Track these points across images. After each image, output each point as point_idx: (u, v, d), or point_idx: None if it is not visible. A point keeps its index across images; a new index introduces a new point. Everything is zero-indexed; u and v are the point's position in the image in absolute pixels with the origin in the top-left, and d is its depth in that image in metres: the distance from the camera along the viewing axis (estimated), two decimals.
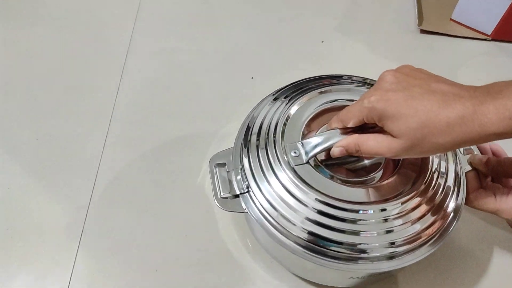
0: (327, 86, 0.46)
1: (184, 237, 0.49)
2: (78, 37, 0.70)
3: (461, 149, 0.45)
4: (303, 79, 0.49)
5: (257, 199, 0.40)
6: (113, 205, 0.52)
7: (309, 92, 0.46)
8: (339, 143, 0.39)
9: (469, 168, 0.44)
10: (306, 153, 0.40)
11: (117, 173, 0.54)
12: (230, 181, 0.43)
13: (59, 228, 0.50)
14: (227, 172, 0.43)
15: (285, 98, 0.46)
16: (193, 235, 0.49)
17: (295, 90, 0.47)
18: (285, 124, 0.43)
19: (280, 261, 0.47)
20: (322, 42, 0.70)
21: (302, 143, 0.41)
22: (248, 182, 0.41)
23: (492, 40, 0.70)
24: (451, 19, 0.73)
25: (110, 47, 0.69)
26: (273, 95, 0.48)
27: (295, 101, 0.45)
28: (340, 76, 0.48)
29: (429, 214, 0.39)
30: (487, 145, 0.46)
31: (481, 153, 0.46)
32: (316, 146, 0.40)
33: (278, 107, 0.45)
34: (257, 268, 0.48)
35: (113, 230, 0.50)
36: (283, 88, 0.48)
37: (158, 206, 0.52)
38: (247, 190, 0.41)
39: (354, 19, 0.74)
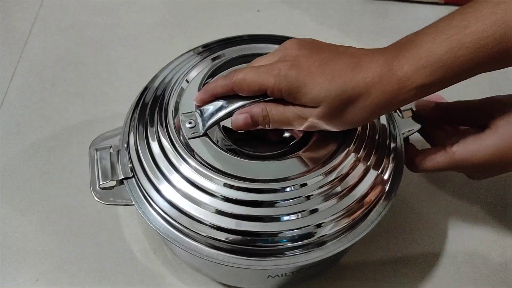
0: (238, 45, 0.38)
1: (74, 239, 0.41)
2: None
3: (399, 113, 0.38)
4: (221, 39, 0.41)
5: (142, 187, 0.32)
6: None
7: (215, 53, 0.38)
8: (244, 109, 0.31)
9: None
10: (204, 122, 0.32)
11: (2, 166, 0.45)
12: (114, 165, 0.34)
13: None
14: (111, 153, 0.35)
15: (194, 56, 0.38)
16: (88, 236, 0.41)
17: (207, 49, 0.39)
18: (180, 93, 0.35)
19: (185, 261, 0.39)
20: (258, 11, 0.62)
21: (200, 110, 0.33)
22: (132, 164, 0.33)
23: (445, 4, 0.63)
24: None
25: (11, 22, 0.59)
26: (179, 56, 0.40)
27: (197, 63, 0.37)
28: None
29: (361, 184, 0.32)
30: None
31: None
32: (214, 113, 0.32)
33: (178, 71, 0.37)
34: (163, 271, 0.39)
35: None
36: (195, 48, 0.40)
37: (47, 203, 0.43)
38: (132, 174, 0.33)
39: None
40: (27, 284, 0.38)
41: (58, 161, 0.46)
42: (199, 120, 0.33)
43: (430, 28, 0.28)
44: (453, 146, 0.33)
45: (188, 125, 0.32)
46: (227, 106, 0.32)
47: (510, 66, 0.28)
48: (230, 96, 0.32)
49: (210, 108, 0.32)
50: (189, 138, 0.32)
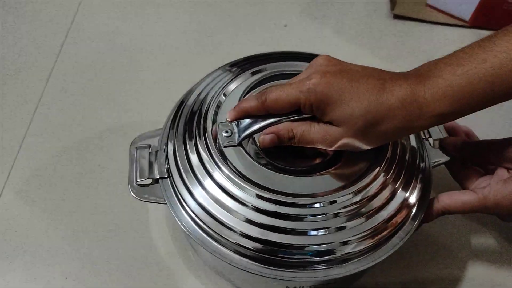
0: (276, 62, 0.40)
1: (104, 239, 0.42)
2: (12, 14, 0.63)
3: (431, 141, 0.39)
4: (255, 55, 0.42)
5: (176, 188, 0.34)
6: (25, 203, 0.44)
7: (250, 69, 0.39)
8: (270, 128, 0.32)
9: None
10: (239, 133, 0.34)
11: (36, 166, 0.47)
12: (151, 164, 0.36)
13: None
14: (150, 153, 0.36)
15: (229, 71, 0.40)
16: (116, 237, 0.42)
17: (243, 64, 0.41)
18: (218, 106, 0.36)
19: (219, 271, 0.40)
20: (285, 26, 0.64)
21: (237, 122, 0.34)
22: (169, 166, 0.34)
23: (471, 27, 0.64)
24: (427, 4, 0.66)
25: (48, 28, 0.62)
26: (214, 71, 0.41)
27: (235, 77, 0.38)
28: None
29: (389, 205, 0.32)
30: (458, 127, 0.39)
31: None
32: (250, 125, 0.33)
33: (215, 84, 0.39)
34: (187, 273, 0.40)
35: (20, 231, 0.42)
36: (229, 63, 0.42)
37: (77, 203, 0.44)
38: (167, 174, 0.34)
39: (321, 2, 0.68)
40: (57, 281, 0.39)
41: (89, 163, 0.48)
42: (235, 130, 0.34)
43: (451, 59, 0.29)
44: (485, 190, 0.33)
45: (224, 134, 0.34)
46: (262, 120, 0.33)
47: None
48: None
49: (246, 120, 0.34)
50: (224, 146, 0.33)
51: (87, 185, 0.46)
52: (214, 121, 0.35)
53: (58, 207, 0.44)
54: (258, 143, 0.35)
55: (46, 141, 0.49)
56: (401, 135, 0.31)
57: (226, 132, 0.34)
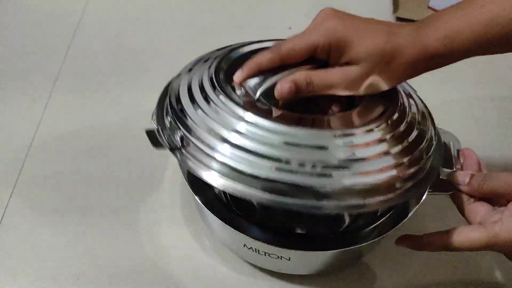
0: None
1: (115, 240, 0.42)
2: (20, 16, 0.63)
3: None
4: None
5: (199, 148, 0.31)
6: (35, 204, 0.44)
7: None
8: (287, 78, 0.31)
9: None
10: (254, 89, 0.32)
11: (45, 167, 0.47)
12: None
13: None
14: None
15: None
16: (128, 238, 0.42)
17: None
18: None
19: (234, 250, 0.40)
20: (290, 28, 0.64)
21: (246, 82, 0.33)
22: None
23: None
24: (428, 7, 0.67)
25: (55, 31, 0.62)
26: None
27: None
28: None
29: (380, 173, 0.31)
30: (472, 155, 0.36)
31: (466, 163, 0.36)
32: (263, 81, 0.32)
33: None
34: (196, 276, 0.41)
35: (30, 232, 0.42)
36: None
37: (87, 204, 0.45)
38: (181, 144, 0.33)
39: (324, 5, 0.68)
40: (68, 281, 0.39)
41: (98, 164, 0.48)
42: (248, 89, 0.33)
43: (453, 6, 0.32)
44: (495, 226, 0.30)
45: (239, 92, 0.33)
46: (275, 73, 0.32)
47: None
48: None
49: (255, 79, 0.32)
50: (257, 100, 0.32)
51: (96, 187, 0.46)
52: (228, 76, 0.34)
53: (68, 208, 0.44)
54: (275, 95, 0.33)
55: (54, 143, 0.49)
56: (413, 70, 0.33)
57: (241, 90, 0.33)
